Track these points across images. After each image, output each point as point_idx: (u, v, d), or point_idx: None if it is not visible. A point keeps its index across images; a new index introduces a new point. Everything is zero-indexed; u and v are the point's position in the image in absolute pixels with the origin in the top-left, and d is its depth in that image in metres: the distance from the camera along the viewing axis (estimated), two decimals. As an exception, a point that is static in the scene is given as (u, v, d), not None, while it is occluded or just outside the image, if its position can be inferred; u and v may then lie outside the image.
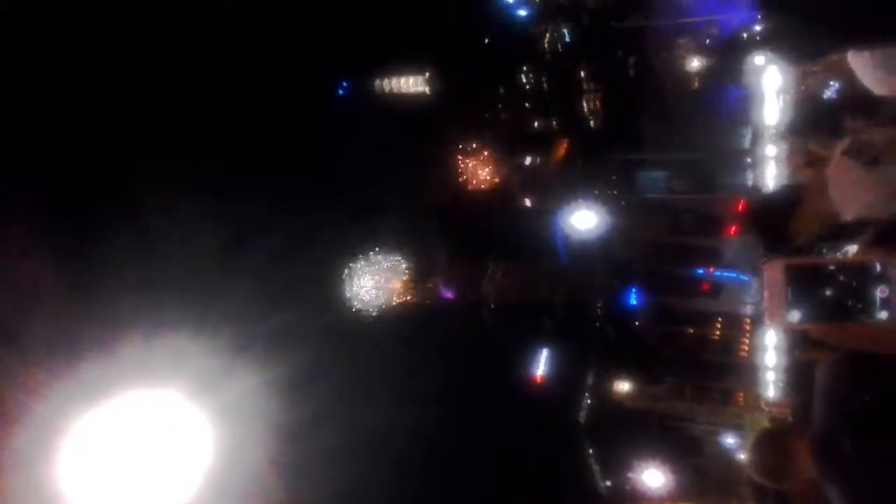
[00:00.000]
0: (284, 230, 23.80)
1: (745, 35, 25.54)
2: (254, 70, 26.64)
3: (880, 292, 2.84)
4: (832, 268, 2.89)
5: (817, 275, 2.89)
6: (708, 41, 28.75)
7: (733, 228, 24.66)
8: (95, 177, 24.16)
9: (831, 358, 3.16)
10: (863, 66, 3.90)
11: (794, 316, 2.94)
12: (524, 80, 31.55)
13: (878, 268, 2.84)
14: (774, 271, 3.07)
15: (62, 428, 8.29)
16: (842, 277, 2.84)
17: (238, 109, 26.10)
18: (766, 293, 3.29)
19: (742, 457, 20.07)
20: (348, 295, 28.90)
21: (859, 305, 2.84)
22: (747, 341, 22.86)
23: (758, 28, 24.17)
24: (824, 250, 3.51)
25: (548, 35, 32.00)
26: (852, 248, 3.31)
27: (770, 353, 16.98)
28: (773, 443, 3.20)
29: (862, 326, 2.90)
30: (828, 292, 2.86)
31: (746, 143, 23.40)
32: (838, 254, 3.41)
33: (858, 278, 2.82)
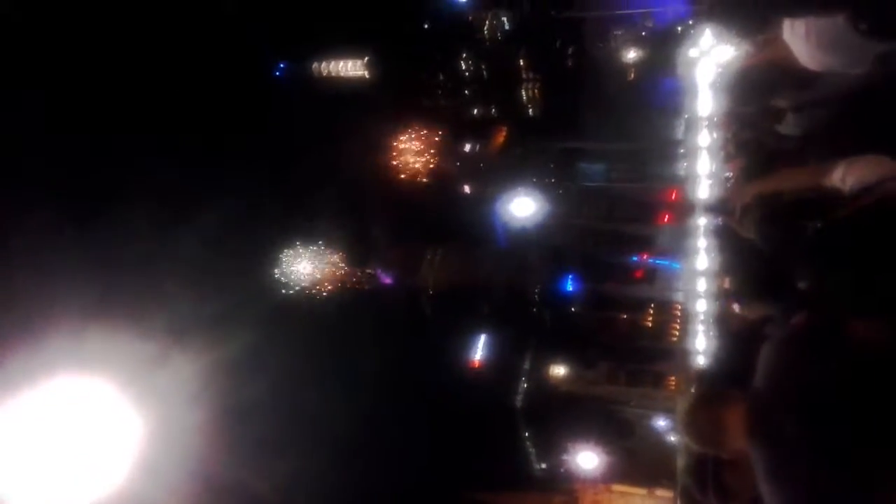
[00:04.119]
0: (220, 213, 23.29)
1: (679, 27, 26.00)
2: (189, 48, 25.91)
3: None
4: None
5: None
6: (644, 33, 29.31)
7: (666, 216, 25.34)
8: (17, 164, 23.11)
9: (780, 336, 3.03)
10: (798, 42, 3.93)
11: None
12: (464, 67, 31.57)
13: None
14: None
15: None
16: None
17: (171, 88, 25.36)
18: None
19: (673, 438, 20.65)
20: (286, 280, 28.55)
21: None
22: (678, 327, 23.52)
23: (692, 21, 24.63)
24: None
25: (488, 23, 32.06)
26: None
27: (700, 338, 17.15)
28: (707, 408, 3.02)
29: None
30: None
31: (679, 134, 23.90)
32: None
33: None
